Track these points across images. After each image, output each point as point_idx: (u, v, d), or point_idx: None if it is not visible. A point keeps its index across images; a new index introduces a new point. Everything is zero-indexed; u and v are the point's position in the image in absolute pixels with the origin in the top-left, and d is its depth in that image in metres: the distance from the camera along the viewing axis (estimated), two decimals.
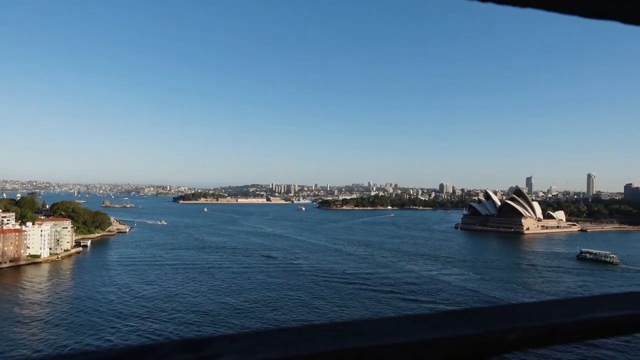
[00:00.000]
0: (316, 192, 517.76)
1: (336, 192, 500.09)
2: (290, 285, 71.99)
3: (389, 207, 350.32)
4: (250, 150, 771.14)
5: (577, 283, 79.70)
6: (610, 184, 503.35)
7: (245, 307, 58.97)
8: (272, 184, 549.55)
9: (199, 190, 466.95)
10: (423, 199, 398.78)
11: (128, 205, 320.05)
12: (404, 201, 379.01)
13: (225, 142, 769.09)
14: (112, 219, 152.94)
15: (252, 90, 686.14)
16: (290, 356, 0.61)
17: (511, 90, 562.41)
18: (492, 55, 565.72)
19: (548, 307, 0.65)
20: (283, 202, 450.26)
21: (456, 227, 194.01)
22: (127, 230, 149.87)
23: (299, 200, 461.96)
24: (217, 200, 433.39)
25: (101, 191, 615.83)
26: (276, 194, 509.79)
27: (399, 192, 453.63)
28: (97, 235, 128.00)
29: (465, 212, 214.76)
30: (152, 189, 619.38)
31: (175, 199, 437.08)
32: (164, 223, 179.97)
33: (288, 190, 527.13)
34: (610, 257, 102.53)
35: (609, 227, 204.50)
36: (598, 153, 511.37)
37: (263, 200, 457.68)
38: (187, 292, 66.88)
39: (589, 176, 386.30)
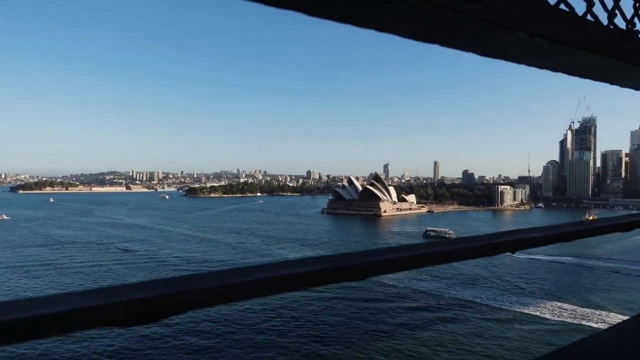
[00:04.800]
0: (182, 180, 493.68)
1: (204, 179, 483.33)
2: None
3: (259, 194, 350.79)
4: (106, 134, 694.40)
5: None
6: (451, 170, 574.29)
7: None
8: (133, 171, 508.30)
9: (44, 179, 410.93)
10: (291, 185, 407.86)
11: None
12: (273, 188, 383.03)
13: (75, 124, 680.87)
14: None
15: (104, 62, 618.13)
16: None
17: (364, 85, 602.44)
18: (356, 44, 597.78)
19: (222, 274, 0.72)
20: (145, 190, 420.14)
21: (322, 212, 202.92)
22: None
23: (163, 188, 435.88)
24: (67, 189, 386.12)
25: None
26: (137, 182, 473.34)
27: (268, 178, 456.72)
28: None
29: (330, 197, 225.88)
30: None
31: (13, 189, 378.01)
32: (5, 217, 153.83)
33: (151, 178, 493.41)
34: (448, 234, 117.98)
35: (450, 208, 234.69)
36: (441, 142, 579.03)
37: (122, 189, 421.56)
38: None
39: (435, 163, 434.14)
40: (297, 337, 43.35)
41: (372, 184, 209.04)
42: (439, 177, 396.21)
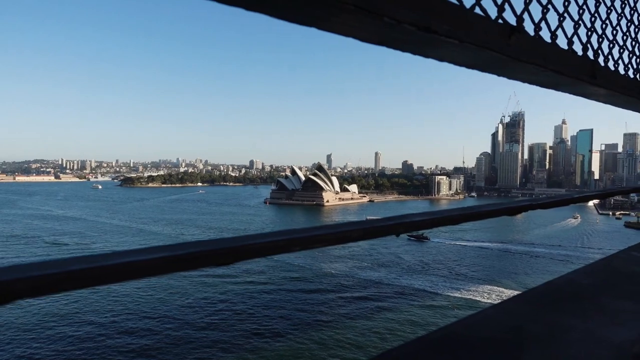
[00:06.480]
0: (117, 169, 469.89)
1: (141, 168, 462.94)
2: None
3: (199, 184, 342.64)
4: (32, 119, 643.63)
5: (358, 245, 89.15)
6: (392, 161, 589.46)
7: (26, 322, 44.69)
8: (62, 160, 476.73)
9: None
10: (234, 175, 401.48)
11: None
12: (214, 177, 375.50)
13: None
14: None
15: (31, 41, 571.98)
16: None
17: (305, 78, 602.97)
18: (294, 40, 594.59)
19: (65, 261, 0.66)
20: (77, 179, 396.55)
21: (265, 202, 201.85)
22: None
23: (96, 177, 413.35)
24: None
25: None
26: (68, 171, 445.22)
27: (210, 168, 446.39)
28: None
29: (273, 187, 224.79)
30: None
31: None
32: None
33: (83, 167, 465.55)
34: None
35: (390, 197, 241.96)
36: (382, 134, 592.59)
37: (51, 178, 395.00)
38: None
39: (376, 154, 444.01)
40: (239, 332, 42.89)
41: (315, 174, 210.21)
42: (380, 168, 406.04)
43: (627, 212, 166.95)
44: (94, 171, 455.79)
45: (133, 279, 0.71)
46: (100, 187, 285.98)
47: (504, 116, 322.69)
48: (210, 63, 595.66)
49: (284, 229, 0.94)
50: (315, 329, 44.25)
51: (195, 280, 59.39)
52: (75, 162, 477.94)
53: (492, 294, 57.38)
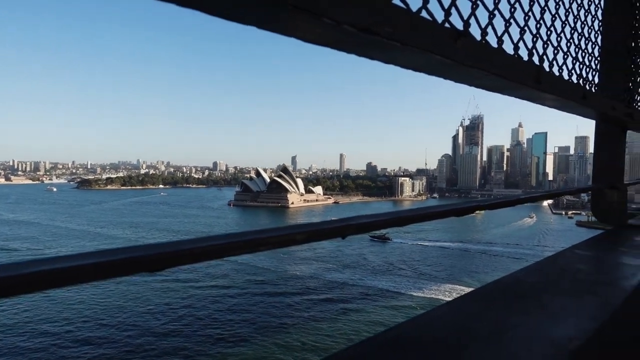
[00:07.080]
0: (74, 171, 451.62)
1: (99, 170, 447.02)
2: None
3: (161, 186, 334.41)
4: None
5: (323, 246, 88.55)
6: (356, 163, 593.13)
7: None
8: (14, 161, 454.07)
9: None
10: (197, 176, 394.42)
11: None
12: (177, 179, 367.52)
13: None
14: None
15: None
16: None
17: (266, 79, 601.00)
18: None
19: None
20: (30, 182, 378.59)
21: (229, 204, 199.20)
22: None
23: (51, 179, 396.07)
24: None
25: None
26: (19, 173, 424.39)
27: (172, 170, 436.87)
28: None
29: (238, 189, 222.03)
30: None
31: None
32: None
33: (36, 168, 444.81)
34: None
35: (355, 199, 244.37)
36: (347, 135, 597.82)
37: (1, 180, 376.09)
38: None
39: (341, 156, 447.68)
40: (203, 338, 42.00)
41: (280, 176, 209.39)
42: (345, 169, 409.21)
43: (578, 212, 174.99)
44: (48, 173, 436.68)
45: (60, 286, 0.66)
46: (55, 189, 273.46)
47: (464, 119, 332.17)
48: (176, 56, 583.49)
49: (226, 232, 0.89)
50: (280, 332, 43.97)
51: (156, 285, 57.78)
52: (27, 163, 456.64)
53: (452, 292, 58.74)
